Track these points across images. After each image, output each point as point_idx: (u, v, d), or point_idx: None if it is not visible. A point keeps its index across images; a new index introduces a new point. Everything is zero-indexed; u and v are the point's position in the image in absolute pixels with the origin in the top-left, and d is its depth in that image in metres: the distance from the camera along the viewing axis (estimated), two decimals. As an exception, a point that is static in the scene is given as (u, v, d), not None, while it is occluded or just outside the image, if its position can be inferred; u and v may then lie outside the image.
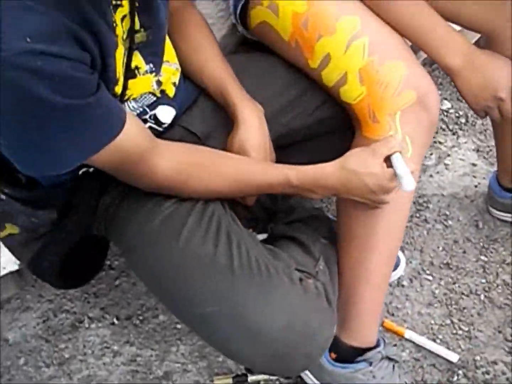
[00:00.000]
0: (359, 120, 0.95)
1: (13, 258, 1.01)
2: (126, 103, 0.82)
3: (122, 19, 0.73)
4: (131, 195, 0.91)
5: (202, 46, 0.97)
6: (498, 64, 0.96)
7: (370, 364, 0.99)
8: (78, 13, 0.64)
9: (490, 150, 1.38)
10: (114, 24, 0.71)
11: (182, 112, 0.96)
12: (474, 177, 1.34)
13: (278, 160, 0.97)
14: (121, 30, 0.73)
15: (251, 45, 1.14)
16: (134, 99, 0.82)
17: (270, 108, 0.97)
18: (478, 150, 1.38)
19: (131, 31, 0.75)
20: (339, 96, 0.96)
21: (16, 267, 1.05)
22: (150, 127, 0.87)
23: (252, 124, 0.92)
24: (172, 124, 0.95)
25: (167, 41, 0.88)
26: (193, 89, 0.98)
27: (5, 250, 0.98)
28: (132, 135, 0.74)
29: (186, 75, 0.97)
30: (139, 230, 0.85)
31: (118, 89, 0.77)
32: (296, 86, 1.01)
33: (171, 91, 0.89)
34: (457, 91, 0.99)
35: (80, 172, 0.86)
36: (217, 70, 0.95)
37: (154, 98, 0.86)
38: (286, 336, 0.74)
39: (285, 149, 1.03)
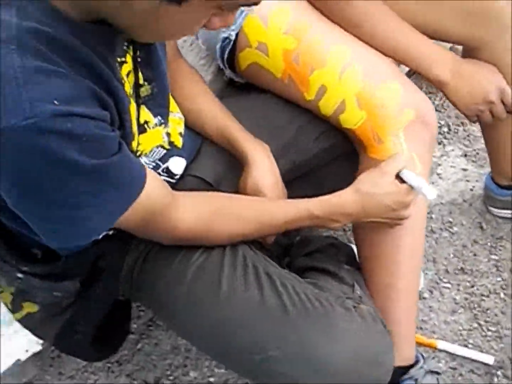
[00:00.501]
0: (363, 143, 0.97)
1: (34, 338, 0.97)
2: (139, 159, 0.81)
3: (127, 75, 0.73)
4: (154, 252, 0.89)
5: (197, 95, 0.97)
6: (484, 71, 1.01)
7: (416, 381, 0.99)
8: (94, 72, 0.63)
9: (477, 153, 1.43)
10: (123, 81, 0.71)
11: (190, 161, 0.96)
12: (468, 181, 1.38)
13: (289, 195, 0.98)
14: (128, 86, 0.73)
15: (237, 87, 1.16)
16: (145, 154, 0.82)
17: (274, 147, 0.98)
18: (465, 155, 1.43)
19: (136, 86, 0.75)
20: (339, 123, 0.98)
21: (39, 348, 1.00)
22: (166, 180, 0.87)
23: (263, 164, 0.93)
24: (182, 175, 0.94)
25: (169, 93, 0.89)
26: (196, 138, 0.98)
27: (23, 331, 0.94)
28: (152, 191, 0.73)
29: (186, 126, 0.97)
30: (172, 287, 0.83)
31: (135, 144, 0.76)
32: (295, 121, 1.02)
33: (178, 142, 0.89)
34: (447, 100, 1.03)
35: (101, 236, 0.85)
36: (218, 117, 0.96)
37: (164, 151, 0.86)
38: (354, 366, 0.73)
39: (293, 183, 1.05)
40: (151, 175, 0.74)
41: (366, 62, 0.95)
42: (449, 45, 1.29)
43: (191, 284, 0.82)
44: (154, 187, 0.73)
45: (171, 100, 0.89)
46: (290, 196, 1.02)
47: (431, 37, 1.03)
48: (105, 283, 0.87)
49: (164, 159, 0.86)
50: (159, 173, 0.86)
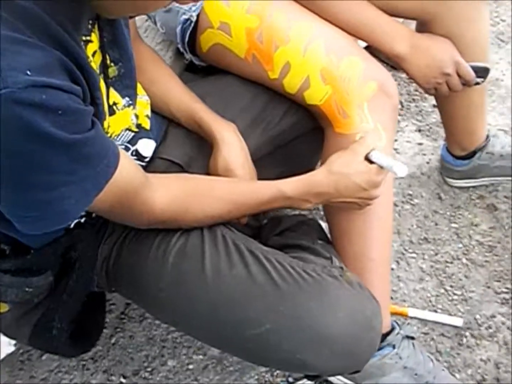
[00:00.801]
0: (329, 119, 0.98)
1: (5, 339, 0.93)
2: None
3: (93, 54, 0.70)
4: (129, 239, 0.87)
5: (161, 77, 0.96)
6: (440, 45, 1.04)
7: (394, 347, 1.01)
8: (63, 45, 0.60)
9: (430, 128, 1.47)
10: (89, 60, 0.68)
11: (157, 145, 0.94)
12: (424, 154, 1.42)
13: (258, 173, 0.98)
14: (95, 66, 0.70)
15: (196, 72, 1.15)
16: (114, 137, 0.79)
17: (241, 125, 0.98)
18: (419, 130, 1.47)
19: (103, 67, 0.73)
20: (304, 100, 0.99)
21: (12, 349, 0.96)
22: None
23: (232, 143, 0.92)
24: (152, 158, 0.93)
25: None
26: (162, 120, 0.97)
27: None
28: (126, 170, 0.70)
29: (152, 109, 0.96)
30: (154, 274, 0.81)
31: (106, 124, 0.73)
32: (259, 99, 1.02)
33: (146, 124, 0.87)
34: (403, 76, 1.06)
35: (72, 225, 0.82)
36: (183, 99, 0.95)
37: (133, 134, 0.84)
38: (351, 331, 0.74)
39: (262, 160, 1.05)
40: (124, 154, 0.72)
41: (328, 37, 0.96)
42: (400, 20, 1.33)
43: (173, 269, 0.80)
44: (127, 167, 0.71)
45: (138, 83, 0.87)
46: (259, 174, 1.03)
47: (387, 13, 1.05)
48: (79, 275, 0.84)
49: (132, 141, 0.84)
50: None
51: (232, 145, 0.92)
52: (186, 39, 1.01)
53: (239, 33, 0.96)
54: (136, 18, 1.24)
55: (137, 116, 0.83)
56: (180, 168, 0.93)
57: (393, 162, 0.85)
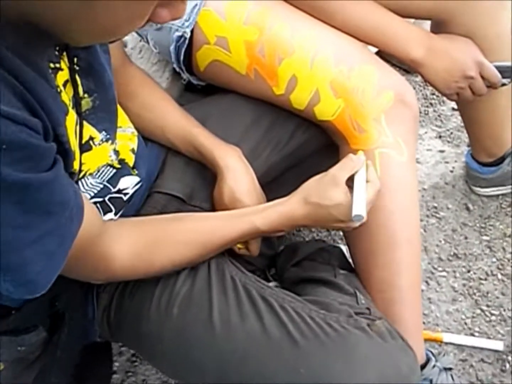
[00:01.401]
0: (343, 135, 0.88)
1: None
2: (83, 181, 0.69)
3: (64, 84, 0.60)
4: (130, 286, 0.77)
5: (155, 102, 0.86)
6: (460, 45, 0.93)
7: (431, 382, 0.90)
8: (16, 73, 0.49)
9: (451, 133, 1.35)
10: (59, 89, 0.58)
11: (154, 177, 0.85)
12: (447, 162, 1.30)
13: (268, 197, 0.89)
14: (66, 97, 0.60)
15: (196, 92, 1.06)
16: (91, 174, 0.69)
17: (246, 148, 0.88)
18: (440, 136, 1.35)
19: (76, 98, 0.62)
20: (314, 116, 0.89)
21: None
22: (115, 197, 0.75)
23: (237, 169, 0.83)
24: (149, 193, 0.83)
25: (117, 105, 0.78)
26: (159, 150, 0.87)
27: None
28: (85, 220, 0.59)
29: (147, 137, 0.86)
30: (158, 324, 0.71)
31: (76, 164, 0.63)
32: (264, 118, 0.92)
33: (130, 159, 0.76)
34: (421, 82, 0.95)
35: None
36: (180, 123, 0.85)
37: (114, 170, 0.73)
38: None
39: (271, 183, 0.95)
40: (83, 199, 0.61)
41: (336, 46, 0.86)
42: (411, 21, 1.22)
43: (179, 319, 0.70)
44: (87, 213, 0.60)
45: (122, 113, 0.78)
46: (271, 197, 0.94)
47: (399, 15, 0.95)
48: (70, 328, 0.74)
49: (114, 180, 0.73)
50: (110, 197, 0.75)
51: (237, 172, 0.82)
52: (181, 57, 0.92)
53: (238, 48, 0.86)
54: (129, 38, 1.16)
55: (117, 152, 0.73)
56: (181, 202, 0.84)
57: (359, 198, 0.73)
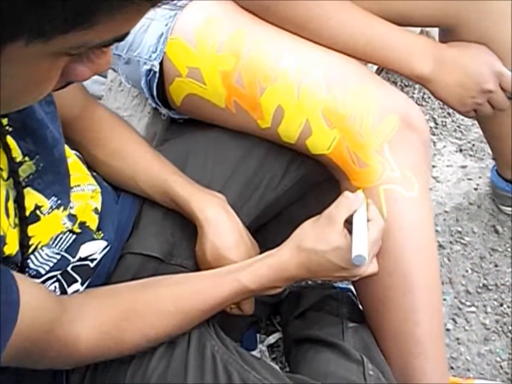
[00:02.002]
0: (342, 170, 0.75)
1: None
2: (36, 254, 0.58)
3: None
4: (102, 365, 0.66)
5: (125, 148, 0.75)
6: (474, 54, 0.78)
7: None
8: None
9: (473, 145, 1.20)
10: None
11: (127, 234, 0.74)
12: (470, 179, 1.14)
13: (263, 242, 0.77)
14: (2, 166, 0.51)
15: (182, 124, 0.94)
16: (45, 245, 0.59)
17: (232, 192, 0.76)
18: (461, 150, 1.20)
19: (11, 165, 0.52)
20: (307, 150, 0.75)
21: None
22: (79, 266, 0.65)
23: (219, 222, 0.70)
24: (122, 254, 0.72)
25: (74, 159, 0.66)
26: (133, 201, 0.75)
27: None
28: (29, 306, 0.50)
29: (118, 188, 0.75)
30: None
31: (11, 248, 0.53)
32: (254, 153, 0.80)
33: (93, 221, 0.66)
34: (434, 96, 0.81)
35: None
36: (154, 171, 0.73)
37: (73, 237, 0.63)
38: None
39: (267, 226, 0.83)
40: (25, 284, 0.51)
41: (326, 68, 0.73)
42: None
43: None
44: (32, 301, 0.51)
45: (80, 169, 0.66)
46: (268, 241, 0.82)
47: (400, 24, 0.81)
48: None
49: (73, 248, 0.62)
50: (74, 266, 0.64)
51: (220, 225, 0.70)
52: (154, 92, 0.80)
53: (213, 79, 0.74)
54: (109, 70, 1.05)
55: (74, 217, 0.62)
56: (160, 261, 0.72)
57: (359, 237, 0.62)
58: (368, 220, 0.65)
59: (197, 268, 0.73)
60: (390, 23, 0.76)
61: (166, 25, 0.73)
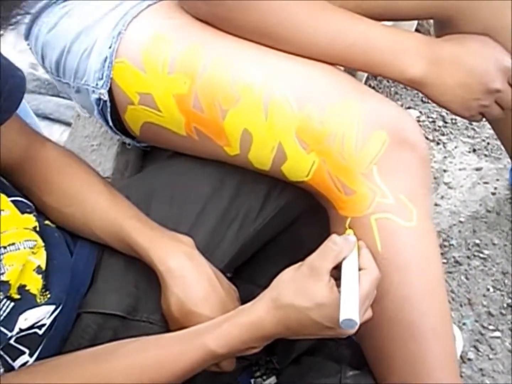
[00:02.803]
0: (327, 198, 0.63)
1: None
2: None
3: None
4: None
5: (77, 191, 0.64)
6: (476, 47, 0.64)
7: None
8: None
9: (487, 143, 1.05)
10: None
11: (85, 289, 0.63)
12: (486, 183, 0.99)
13: (254, 276, 0.73)
14: None
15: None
16: None
17: (203, 232, 0.66)
18: (474, 150, 1.05)
19: None
20: (285, 177, 0.63)
21: None
22: (24, 336, 0.55)
23: (183, 271, 0.59)
24: (78, 314, 0.62)
25: (10, 212, 0.56)
26: (90, 251, 0.65)
27: None
28: None
29: (75, 234, 0.65)
30: None
31: None
32: (228, 183, 0.68)
33: (35, 283, 0.56)
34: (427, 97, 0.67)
35: None
36: (110, 216, 0.63)
37: (12, 304, 0.53)
38: None
39: (258, 255, 0.73)
40: None
41: (296, 80, 0.60)
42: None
43: None
44: None
45: (19, 221, 0.56)
46: (250, 278, 0.74)
47: (387, 20, 0.68)
48: None
49: (9, 320, 0.53)
50: (18, 337, 0.54)
51: (184, 277, 0.59)
52: (110, 123, 0.69)
53: (167, 105, 0.62)
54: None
55: (6, 283, 0.51)
56: (121, 319, 0.61)
57: (349, 295, 0.51)
58: (359, 269, 0.54)
59: (166, 322, 0.63)
60: (370, 20, 0.63)
61: (110, 47, 0.62)
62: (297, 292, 0.53)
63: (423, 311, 0.60)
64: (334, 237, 0.55)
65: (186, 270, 0.59)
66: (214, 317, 0.59)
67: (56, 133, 1.00)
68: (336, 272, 0.55)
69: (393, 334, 0.61)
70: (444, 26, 0.69)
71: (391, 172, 0.59)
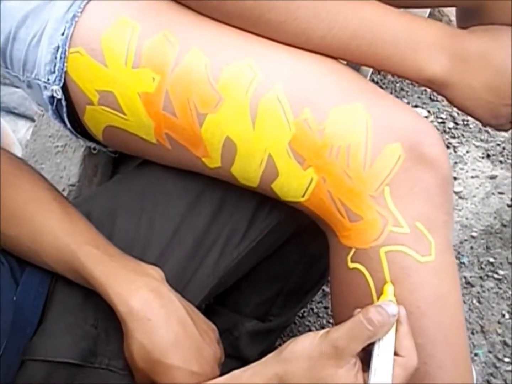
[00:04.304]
0: (327, 223, 0.51)
1: None
2: None
3: None
4: None
5: (22, 209, 0.52)
6: (507, 43, 0.52)
7: None
8: None
9: (503, 148, 0.92)
10: None
11: (31, 332, 0.51)
12: (501, 193, 0.87)
13: (238, 304, 0.65)
14: None
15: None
16: None
17: (175, 259, 0.54)
18: (488, 156, 0.92)
19: None
20: (276, 195, 0.51)
21: None
22: None
23: (148, 313, 0.47)
24: (23, 361, 0.50)
25: None
26: (40, 281, 0.53)
27: None
28: None
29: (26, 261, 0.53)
30: None
31: None
32: (205, 202, 0.56)
33: None
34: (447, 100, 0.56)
35: None
36: (60, 241, 0.50)
37: None
38: None
39: (243, 281, 0.62)
40: None
41: (291, 77, 0.48)
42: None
43: None
44: None
45: None
46: (235, 307, 0.66)
47: (401, 6, 0.56)
48: None
49: None
50: None
51: (149, 320, 0.47)
52: (68, 124, 0.57)
53: (132, 106, 0.50)
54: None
55: None
56: (75, 367, 0.49)
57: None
58: (395, 352, 0.42)
59: (130, 370, 0.51)
60: (384, 6, 0.50)
61: (63, 33, 0.49)
62: (311, 377, 0.42)
63: (440, 363, 0.49)
64: (370, 312, 0.42)
65: (152, 311, 0.47)
66: (187, 367, 0.48)
67: (21, 129, 0.88)
68: (363, 353, 0.42)
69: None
70: (469, 16, 0.56)
71: (406, 195, 0.47)
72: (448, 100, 0.54)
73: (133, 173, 0.61)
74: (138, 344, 0.47)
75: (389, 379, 0.40)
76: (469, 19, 0.56)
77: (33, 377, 0.49)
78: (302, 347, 0.42)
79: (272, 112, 0.47)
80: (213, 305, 0.68)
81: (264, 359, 0.44)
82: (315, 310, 0.81)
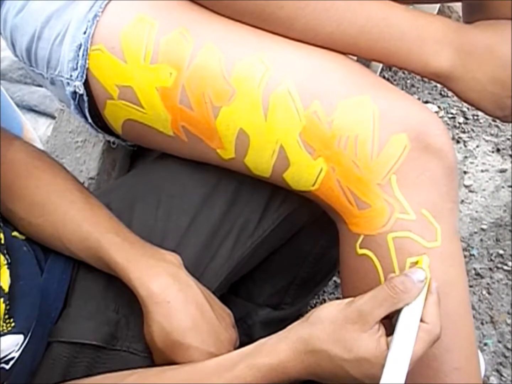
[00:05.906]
0: (336, 211, 0.53)
1: None
2: None
3: None
4: None
5: (47, 199, 0.55)
6: (510, 34, 0.54)
7: None
8: None
9: (513, 142, 0.96)
10: None
11: (56, 315, 0.54)
12: (510, 186, 0.88)
13: (251, 294, 0.67)
14: None
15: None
16: None
17: (192, 247, 0.56)
18: (498, 150, 0.94)
19: None
20: (287, 185, 0.54)
21: None
22: None
23: (167, 296, 0.50)
24: (49, 342, 0.53)
25: None
26: (64, 267, 0.56)
27: None
28: None
29: (46, 247, 0.56)
30: None
31: None
32: (220, 193, 0.58)
33: None
34: (453, 93, 0.57)
35: None
36: (83, 229, 0.53)
37: None
38: None
39: (256, 272, 0.64)
40: None
41: (302, 72, 0.50)
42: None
43: None
44: None
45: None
46: (248, 296, 0.68)
47: (411, 1, 0.58)
48: None
49: None
50: None
51: (168, 303, 0.50)
52: (89, 119, 0.60)
53: (150, 100, 0.52)
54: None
55: None
56: (98, 350, 0.52)
57: (399, 356, 0.41)
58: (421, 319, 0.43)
59: (149, 353, 0.54)
60: (388, 1, 0.52)
61: (85, 32, 0.52)
62: (336, 339, 0.44)
63: (447, 347, 0.51)
64: (394, 280, 0.44)
65: (171, 295, 0.50)
66: (205, 348, 0.50)
67: (42, 126, 0.91)
68: (388, 320, 0.44)
69: (413, 371, 0.52)
70: (475, 11, 0.58)
71: (413, 183, 0.49)
72: (454, 92, 0.56)
73: (150, 167, 0.64)
74: (158, 326, 0.50)
75: (412, 342, 0.42)
76: (474, 14, 0.58)
77: (58, 357, 0.52)
78: (328, 312, 0.45)
79: (283, 105, 0.50)
80: (227, 295, 0.71)
81: (289, 327, 0.46)
82: (328, 301, 0.83)
